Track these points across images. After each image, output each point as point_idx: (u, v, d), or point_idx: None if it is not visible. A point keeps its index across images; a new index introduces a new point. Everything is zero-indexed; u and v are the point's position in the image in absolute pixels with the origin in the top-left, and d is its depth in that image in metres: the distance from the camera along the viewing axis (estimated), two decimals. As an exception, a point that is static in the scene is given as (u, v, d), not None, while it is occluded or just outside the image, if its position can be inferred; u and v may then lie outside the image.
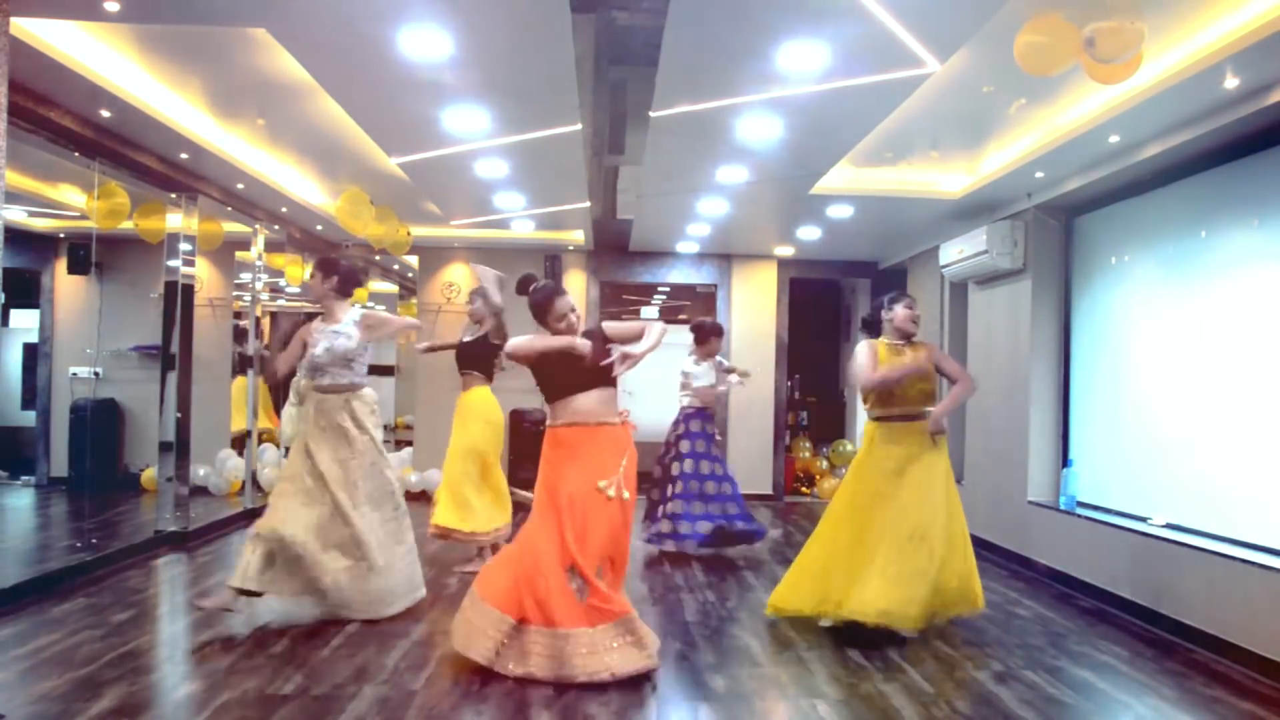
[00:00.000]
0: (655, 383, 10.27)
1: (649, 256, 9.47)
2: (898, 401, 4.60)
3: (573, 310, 4.00)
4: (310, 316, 4.99)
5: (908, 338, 4.72)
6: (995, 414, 6.79)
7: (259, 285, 7.80)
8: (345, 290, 4.68)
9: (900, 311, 4.70)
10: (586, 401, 3.90)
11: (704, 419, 6.59)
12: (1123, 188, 5.57)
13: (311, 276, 4.69)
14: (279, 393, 8.85)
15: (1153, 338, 5.37)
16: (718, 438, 6.82)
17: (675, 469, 6.44)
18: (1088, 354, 6.06)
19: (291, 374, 4.80)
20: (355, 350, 4.57)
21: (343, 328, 4.58)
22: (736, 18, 3.64)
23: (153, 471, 7.45)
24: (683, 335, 7.04)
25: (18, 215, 7.77)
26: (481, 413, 5.66)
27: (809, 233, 8.10)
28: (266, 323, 9.17)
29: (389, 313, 4.96)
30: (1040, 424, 6.25)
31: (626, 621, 3.69)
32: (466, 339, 5.79)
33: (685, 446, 6.48)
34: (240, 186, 6.72)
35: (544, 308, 3.96)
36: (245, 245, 7.75)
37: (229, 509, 7.42)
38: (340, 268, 4.68)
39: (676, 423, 6.62)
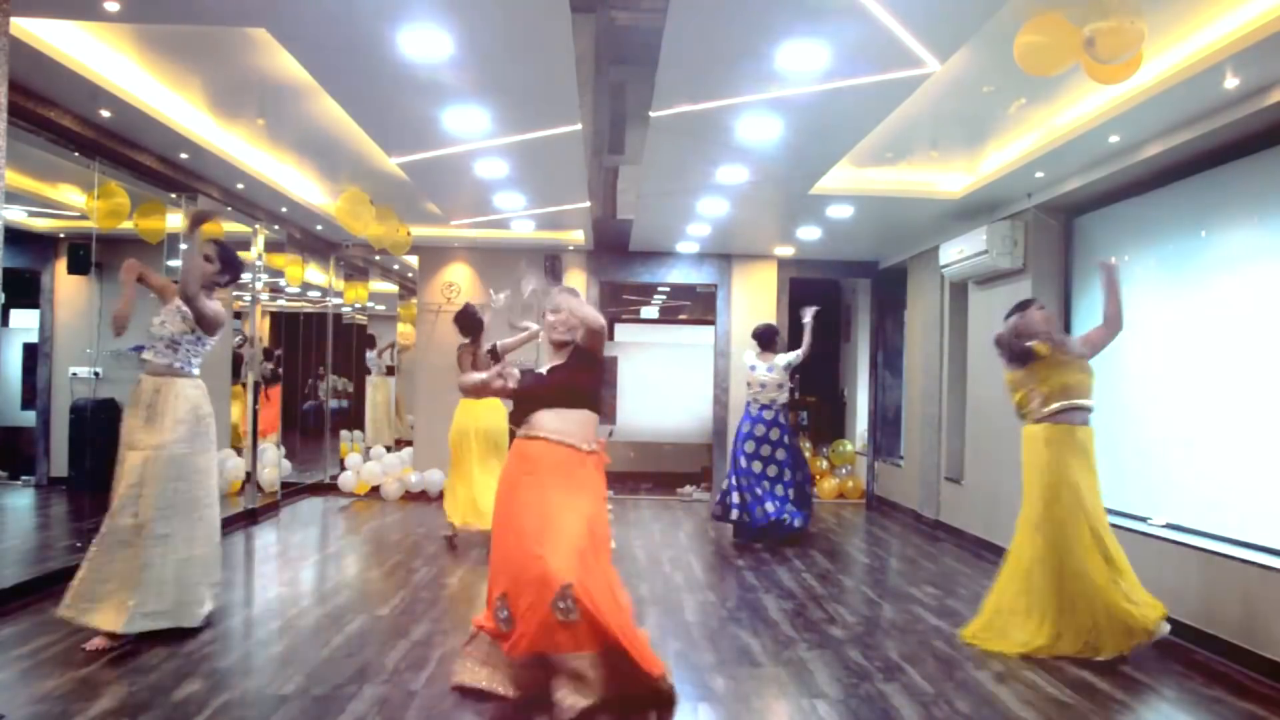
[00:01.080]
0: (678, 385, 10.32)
1: (649, 256, 9.47)
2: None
3: (552, 313, 3.68)
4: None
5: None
6: (995, 414, 6.79)
7: (259, 285, 7.80)
8: (219, 284, 4.46)
9: (1036, 313, 4.54)
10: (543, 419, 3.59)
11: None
12: (1123, 188, 5.57)
13: (207, 259, 4.32)
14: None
15: (1152, 338, 5.37)
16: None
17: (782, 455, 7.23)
18: (1088, 354, 6.05)
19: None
20: (181, 335, 4.23)
21: (184, 308, 4.22)
22: (736, 18, 3.63)
23: (153, 471, 7.44)
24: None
25: (18, 215, 7.77)
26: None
27: (809, 233, 8.09)
28: (266, 323, 9.17)
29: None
30: (1040, 424, 6.24)
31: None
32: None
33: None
34: (240, 186, 6.72)
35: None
36: (245, 245, 7.75)
37: (229, 509, 7.41)
38: (238, 271, 4.53)
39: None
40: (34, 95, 4.70)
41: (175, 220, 6.59)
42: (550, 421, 3.52)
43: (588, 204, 7.16)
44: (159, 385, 4.19)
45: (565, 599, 3.14)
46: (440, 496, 8.87)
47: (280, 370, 9.08)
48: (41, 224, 8.17)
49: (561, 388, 3.56)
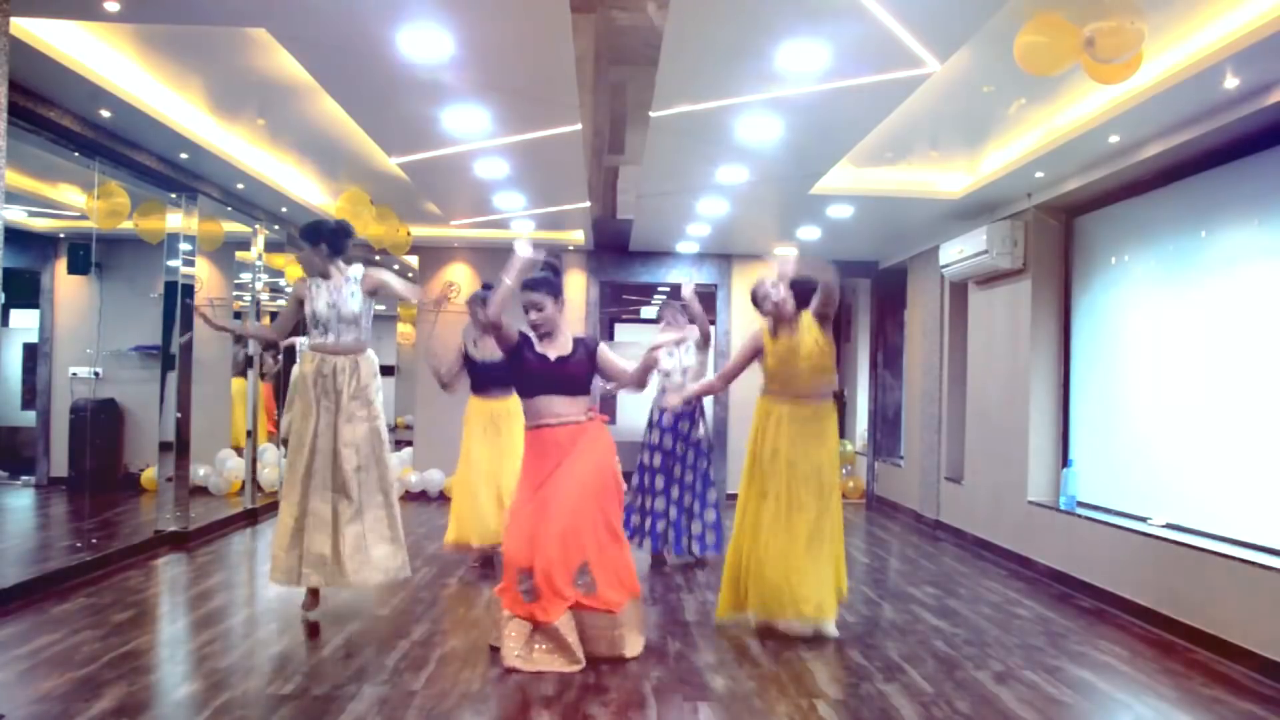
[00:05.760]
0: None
1: (649, 256, 9.47)
2: None
3: (533, 308, 4.08)
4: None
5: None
6: (995, 414, 6.79)
7: (259, 285, 7.80)
8: (339, 248, 4.58)
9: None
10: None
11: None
12: (1123, 188, 5.57)
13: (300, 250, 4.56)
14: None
15: (1153, 338, 5.37)
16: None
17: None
18: (1088, 354, 6.06)
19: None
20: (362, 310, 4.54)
21: (346, 286, 4.51)
22: (736, 18, 3.64)
23: (153, 471, 7.45)
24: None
25: (18, 215, 7.77)
26: None
27: (809, 233, 8.09)
28: (266, 323, 9.17)
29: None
30: (1040, 424, 6.25)
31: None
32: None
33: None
34: (240, 186, 6.72)
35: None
36: (245, 245, 7.75)
37: (229, 509, 7.42)
38: (324, 229, 4.56)
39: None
40: (34, 95, 4.70)
41: (175, 220, 6.58)
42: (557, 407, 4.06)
43: (588, 204, 7.16)
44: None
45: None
46: (440, 496, 8.88)
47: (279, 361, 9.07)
48: (41, 224, 8.18)
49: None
